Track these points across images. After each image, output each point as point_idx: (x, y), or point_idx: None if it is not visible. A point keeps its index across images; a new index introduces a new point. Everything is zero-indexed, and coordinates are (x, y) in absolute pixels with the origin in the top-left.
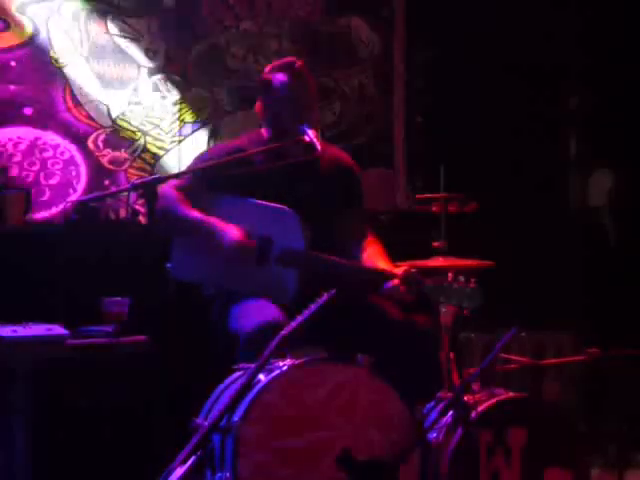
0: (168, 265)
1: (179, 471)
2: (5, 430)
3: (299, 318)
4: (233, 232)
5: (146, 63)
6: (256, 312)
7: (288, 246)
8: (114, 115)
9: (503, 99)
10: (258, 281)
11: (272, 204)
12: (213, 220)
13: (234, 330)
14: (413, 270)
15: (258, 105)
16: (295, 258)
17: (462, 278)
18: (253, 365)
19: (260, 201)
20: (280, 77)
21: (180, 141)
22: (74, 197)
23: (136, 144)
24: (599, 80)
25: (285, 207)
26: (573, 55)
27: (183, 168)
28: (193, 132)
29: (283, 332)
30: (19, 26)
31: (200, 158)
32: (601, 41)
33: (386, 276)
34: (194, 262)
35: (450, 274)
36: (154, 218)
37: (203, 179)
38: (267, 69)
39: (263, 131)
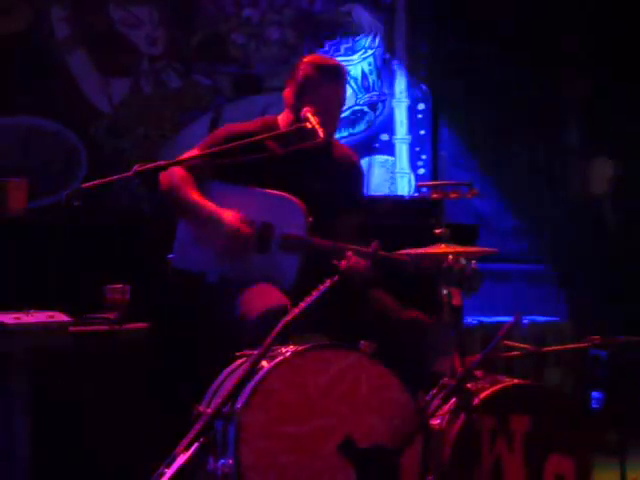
0: (170, 256)
1: (182, 458)
2: (5, 415)
3: (302, 305)
4: (229, 216)
5: (147, 51)
6: (262, 297)
7: (289, 232)
8: (115, 103)
9: (505, 86)
10: (260, 268)
11: (274, 192)
12: (210, 205)
13: (240, 316)
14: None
15: (289, 93)
16: (296, 243)
17: (463, 260)
18: (256, 352)
19: (262, 189)
20: (333, 87)
21: (181, 129)
22: (76, 184)
23: (137, 132)
24: (602, 67)
25: (287, 194)
26: (576, 41)
27: (184, 155)
28: (194, 120)
29: (286, 319)
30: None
31: (211, 138)
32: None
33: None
34: (197, 252)
35: (450, 256)
36: (159, 195)
37: (211, 163)
38: (312, 62)
39: (279, 119)
